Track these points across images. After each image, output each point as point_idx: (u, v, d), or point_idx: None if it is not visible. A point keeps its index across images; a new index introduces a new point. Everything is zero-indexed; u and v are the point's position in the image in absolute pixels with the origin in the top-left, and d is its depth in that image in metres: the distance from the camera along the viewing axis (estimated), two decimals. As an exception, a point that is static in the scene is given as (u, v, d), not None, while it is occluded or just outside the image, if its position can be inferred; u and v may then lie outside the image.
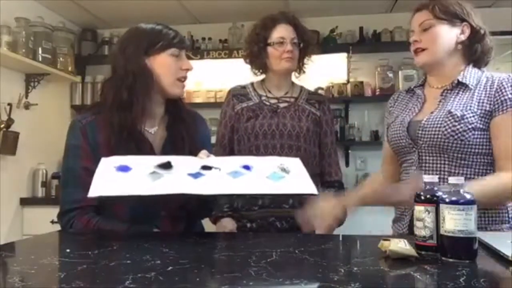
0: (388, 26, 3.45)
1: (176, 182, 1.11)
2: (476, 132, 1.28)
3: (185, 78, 1.37)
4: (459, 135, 1.27)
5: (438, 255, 0.91)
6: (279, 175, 1.18)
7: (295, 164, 1.25)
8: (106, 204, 1.26)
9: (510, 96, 1.29)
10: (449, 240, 0.89)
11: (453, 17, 1.35)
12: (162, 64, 1.33)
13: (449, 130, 1.28)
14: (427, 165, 1.34)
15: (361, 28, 3.52)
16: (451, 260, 0.88)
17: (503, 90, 1.30)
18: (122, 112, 1.28)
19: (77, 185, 1.23)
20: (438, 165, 1.32)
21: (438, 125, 1.30)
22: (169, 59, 1.33)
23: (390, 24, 3.43)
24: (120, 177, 1.12)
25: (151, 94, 1.33)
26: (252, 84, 1.85)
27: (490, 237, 1.01)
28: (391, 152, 1.50)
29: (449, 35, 1.35)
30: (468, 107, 1.30)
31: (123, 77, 1.30)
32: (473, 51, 1.38)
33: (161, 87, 1.34)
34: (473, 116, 1.28)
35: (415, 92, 1.47)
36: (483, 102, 1.30)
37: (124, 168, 1.14)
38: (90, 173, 1.15)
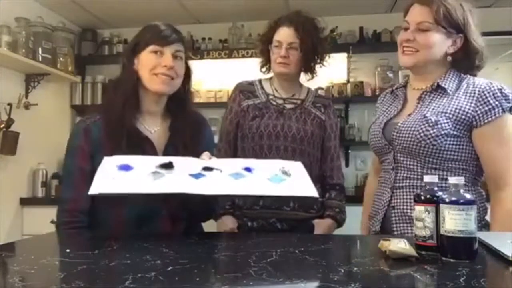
0: (388, 26, 3.45)
1: (177, 182, 1.11)
2: (449, 138, 1.28)
3: (165, 74, 1.31)
4: (431, 139, 1.27)
5: (438, 255, 0.91)
6: (280, 177, 1.19)
7: (296, 168, 1.25)
8: (107, 203, 1.26)
9: (493, 105, 1.27)
10: (449, 240, 0.89)
11: (452, 27, 1.31)
12: (143, 61, 1.32)
13: (421, 135, 1.28)
14: (401, 165, 1.35)
15: (361, 28, 3.52)
16: (451, 260, 0.88)
17: (485, 100, 1.28)
18: (112, 112, 1.30)
19: (70, 184, 1.30)
20: (412, 167, 1.33)
21: (412, 129, 1.31)
22: (149, 56, 1.31)
23: (390, 24, 3.43)
24: (122, 175, 1.12)
25: (135, 93, 1.33)
26: (260, 81, 1.83)
27: (490, 237, 1.01)
28: None
29: (441, 45, 1.33)
30: (443, 113, 1.29)
31: (116, 77, 1.35)
32: (460, 64, 1.36)
33: (143, 84, 1.33)
34: (447, 122, 1.28)
35: (397, 94, 1.48)
36: (460, 109, 1.29)
37: (126, 167, 1.14)
38: (85, 174, 1.22)
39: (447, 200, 0.90)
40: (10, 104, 2.85)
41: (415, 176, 1.32)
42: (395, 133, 1.35)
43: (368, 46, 3.51)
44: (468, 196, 0.90)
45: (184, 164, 1.18)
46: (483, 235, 1.01)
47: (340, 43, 3.47)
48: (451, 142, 1.29)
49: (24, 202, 3.07)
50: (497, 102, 1.28)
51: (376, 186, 1.55)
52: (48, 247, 1.14)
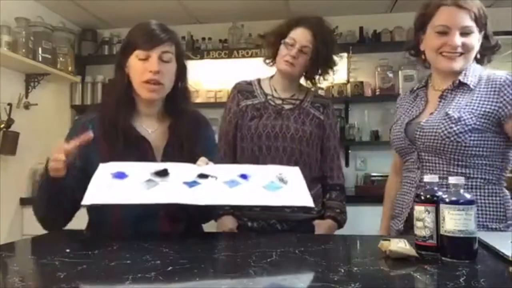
0: (388, 26, 3.45)
1: (170, 191, 1.11)
2: (473, 134, 1.27)
3: (153, 80, 1.29)
4: (455, 137, 1.27)
5: (438, 255, 0.91)
6: (276, 185, 1.18)
7: (294, 174, 1.24)
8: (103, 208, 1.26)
9: None
10: (449, 240, 0.89)
11: (481, 26, 1.34)
12: (131, 66, 1.32)
13: (445, 132, 1.28)
14: (427, 164, 1.35)
15: (361, 28, 3.52)
16: (451, 260, 0.88)
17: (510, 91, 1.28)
18: (107, 113, 1.31)
19: None
20: (437, 165, 1.33)
21: (435, 127, 1.30)
22: (135, 61, 1.31)
23: (390, 24, 3.43)
24: (115, 184, 1.12)
25: (128, 95, 1.34)
26: (258, 81, 1.82)
27: (490, 237, 1.01)
28: None
29: (478, 45, 1.35)
30: (466, 109, 1.29)
31: (112, 78, 1.40)
32: (481, 60, 1.40)
33: (134, 89, 1.33)
34: (471, 117, 1.28)
35: (418, 94, 1.48)
36: (484, 102, 1.29)
37: (120, 175, 1.15)
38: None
39: (447, 200, 0.90)
40: (10, 104, 2.85)
41: (441, 176, 1.28)
42: (418, 133, 1.34)
43: (368, 46, 3.51)
44: (468, 196, 0.90)
45: (180, 171, 1.18)
46: (483, 235, 1.01)
47: (340, 43, 3.46)
48: (476, 138, 1.28)
49: (24, 202, 3.06)
50: None
51: (397, 187, 1.54)
52: (48, 247, 1.14)
